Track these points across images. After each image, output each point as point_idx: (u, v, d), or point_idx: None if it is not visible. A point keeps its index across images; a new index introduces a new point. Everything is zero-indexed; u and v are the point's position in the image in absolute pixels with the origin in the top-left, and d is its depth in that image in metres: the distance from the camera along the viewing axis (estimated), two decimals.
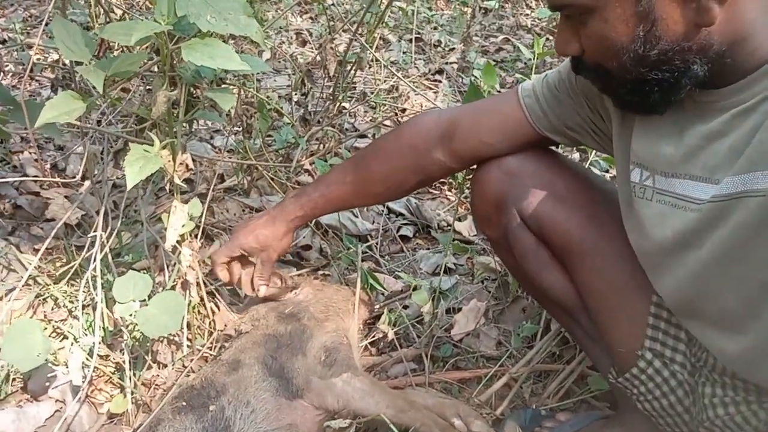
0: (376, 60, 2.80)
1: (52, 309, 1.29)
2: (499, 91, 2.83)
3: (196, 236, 1.09)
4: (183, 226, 0.96)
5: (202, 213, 1.05)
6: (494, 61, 3.26)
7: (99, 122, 1.65)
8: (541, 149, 1.00)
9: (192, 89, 0.93)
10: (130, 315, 0.92)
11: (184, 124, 1.06)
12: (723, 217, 0.69)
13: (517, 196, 0.97)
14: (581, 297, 0.96)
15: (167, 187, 0.94)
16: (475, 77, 2.35)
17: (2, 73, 1.73)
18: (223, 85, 1.22)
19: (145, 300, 0.93)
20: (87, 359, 1.00)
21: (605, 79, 0.78)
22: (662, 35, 0.70)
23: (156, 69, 0.85)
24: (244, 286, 1.19)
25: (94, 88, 0.76)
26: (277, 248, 1.16)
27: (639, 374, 0.88)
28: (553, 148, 1.05)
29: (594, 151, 1.53)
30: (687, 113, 0.77)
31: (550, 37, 3.41)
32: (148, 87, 1.44)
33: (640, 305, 0.89)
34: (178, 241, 1.00)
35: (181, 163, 0.89)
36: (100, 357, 1.13)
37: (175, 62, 0.83)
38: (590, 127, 0.94)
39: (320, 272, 1.49)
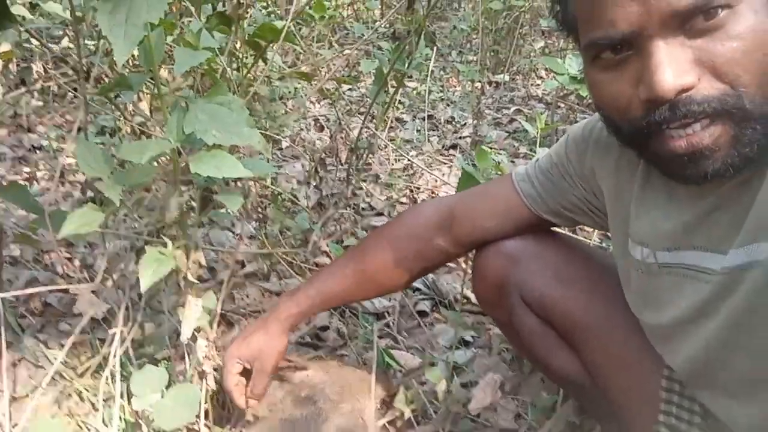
0: (391, 140, 2.92)
1: (77, 403, 1.34)
2: (512, 161, 2.91)
3: (211, 325, 1.14)
4: (198, 319, 1.01)
5: (216, 305, 1.10)
6: (507, 132, 3.35)
7: (125, 219, 1.74)
8: (540, 231, 1.03)
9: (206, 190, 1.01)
10: (149, 407, 0.96)
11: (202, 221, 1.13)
12: (732, 288, 0.70)
13: (518, 280, 0.99)
14: (591, 376, 0.96)
15: (181, 285, 1.00)
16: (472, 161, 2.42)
17: (36, 182, 1.87)
18: (239, 182, 1.30)
19: (162, 392, 0.97)
20: None
21: (723, 118, 0.64)
22: None
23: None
24: (236, 400, 1.12)
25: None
26: (272, 354, 1.10)
27: None
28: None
29: None
30: (682, 190, 0.78)
31: (562, 105, 3.50)
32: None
33: (651, 381, 0.89)
34: (194, 333, 1.05)
35: (194, 262, 0.96)
36: None
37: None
38: (586, 206, 0.97)
39: (338, 352, 1.52)
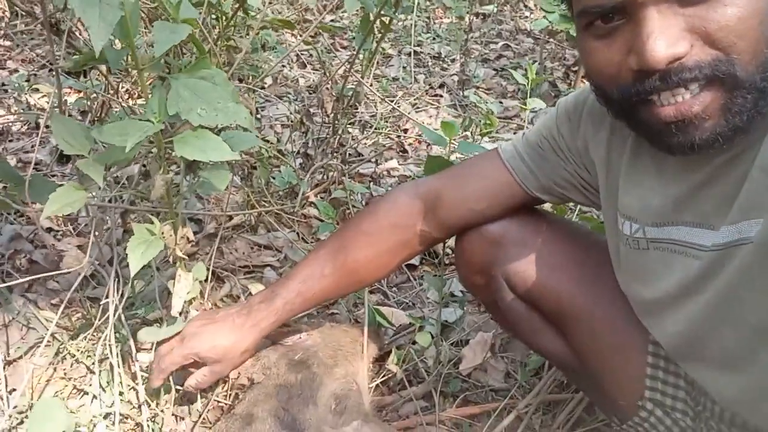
0: (376, 78, 2.84)
1: (72, 366, 1.34)
2: (500, 102, 2.85)
3: (203, 294, 1.12)
4: (188, 292, 0.99)
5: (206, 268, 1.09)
6: (494, 69, 3.27)
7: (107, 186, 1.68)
8: (523, 211, 1.00)
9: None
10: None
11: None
12: (722, 265, 0.70)
13: (502, 264, 0.98)
14: (577, 357, 0.97)
15: (170, 260, 0.98)
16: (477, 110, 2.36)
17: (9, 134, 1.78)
18: None
19: None
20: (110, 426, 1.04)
21: (714, 85, 0.63)
22: None
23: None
24: (155, 379, 1.04)
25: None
26: (237, 362, 1.06)
27: (641, 422, 0.90)
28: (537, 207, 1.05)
29: None
30: (671, 164, 0.77)
31: (552, 40, 3.41)
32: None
33: (637, 359, 0.90)
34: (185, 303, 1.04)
35: (182, 237, 0.93)
36: (121, 415, 1.17)
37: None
38: (578, 182, 0.94)
39: (328, 311, 1.52)
